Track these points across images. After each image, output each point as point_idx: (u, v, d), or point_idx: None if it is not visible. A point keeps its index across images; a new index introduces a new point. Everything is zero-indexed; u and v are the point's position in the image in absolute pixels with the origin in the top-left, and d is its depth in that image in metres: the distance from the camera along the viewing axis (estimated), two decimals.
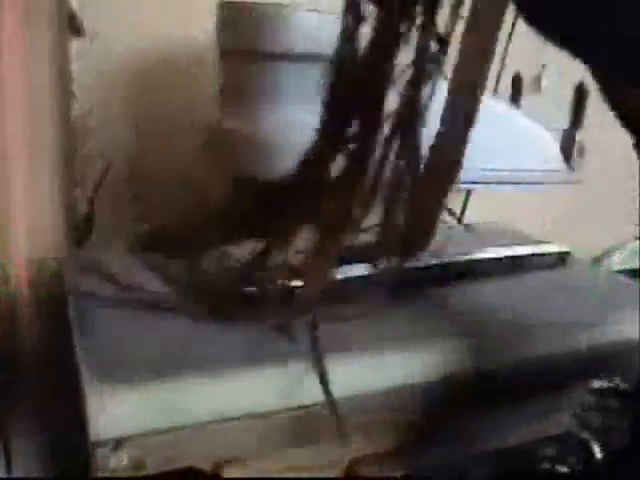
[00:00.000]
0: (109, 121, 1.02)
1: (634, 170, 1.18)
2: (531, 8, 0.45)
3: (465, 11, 0.63)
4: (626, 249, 1.57)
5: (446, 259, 0.75)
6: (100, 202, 1.00)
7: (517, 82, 1.22)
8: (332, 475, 0.68)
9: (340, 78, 0.68)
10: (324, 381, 0.62)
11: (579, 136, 1.15)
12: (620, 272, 1.38)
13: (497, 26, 0.65)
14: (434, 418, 0.71)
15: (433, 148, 0.68)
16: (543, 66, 1.41)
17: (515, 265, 0.89)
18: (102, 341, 0.63)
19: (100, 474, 0.55)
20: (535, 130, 1.07)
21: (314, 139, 0.71)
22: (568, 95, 1.17)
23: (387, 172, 0.69)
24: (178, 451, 0.58)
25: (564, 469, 0.85)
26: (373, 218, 0.71)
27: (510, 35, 1.00)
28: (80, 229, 0.94)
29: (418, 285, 0.77)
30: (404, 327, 0.71)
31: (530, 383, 0.74)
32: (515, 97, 1.21)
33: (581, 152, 1.13)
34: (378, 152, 0.68)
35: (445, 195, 0.69)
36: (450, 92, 0.68)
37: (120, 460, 0.55)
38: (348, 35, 0.66)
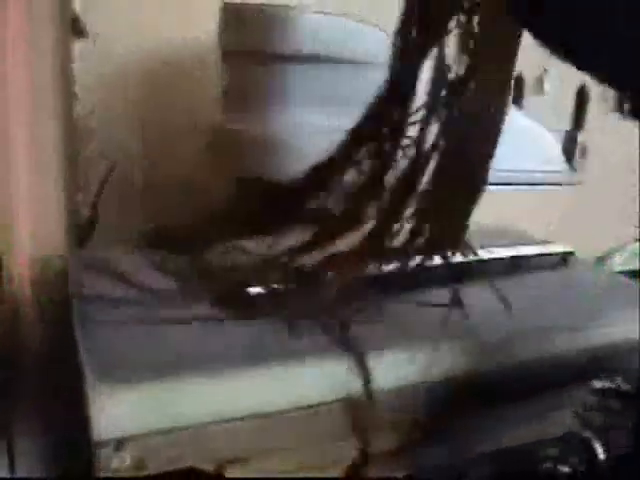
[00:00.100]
0: (111, 122, 1.02)
1: (635, 172, 1.18)
2: (536, 25, 0.47)
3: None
4: (627, 250, 1.57)
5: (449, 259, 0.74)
6: (103, 202, 1.00)
7: (519, 83, 1.22)
8: (333, 475, 0.68)
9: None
10: (367, 381, 0.63)
11: (581, 138, 1.15)
12: (621, 273, 1.38)
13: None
14: (435, 418, 0.71)
15: (464, 150, 0.68)
16: (545, 69, 1.42)
17: (518, 265, 0.89)
18: (105, 341, 0.63)
19: (102, 474, 0.55)
20: (537, 131, 1.07)
21: (346, 140, 0.72)
22: (570, 97, 1.18)
23: (420, 173, 0.70)
24: (179, 451, 0.58)
25: (566, 469, 0.85)
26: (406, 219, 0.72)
27: None
28: (83, 229, 0.94)
29: (421, 285, 0.78)
30: (404, 327, 0.71)
31: (532, 383, 0.74)
32: (517, 98, 1.21)
33: (583, 153, 1.13)
34: (412, 154, 0.69)
35: (477, 196, 0.69)
36: (477, 97, 0.68)
37: (123, 460, 0.55)
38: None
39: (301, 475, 0.66)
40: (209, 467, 0.61)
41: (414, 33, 0.68)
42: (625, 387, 1.10)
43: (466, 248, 0.71)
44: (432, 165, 0.70)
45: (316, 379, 0.63)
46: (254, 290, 0.72)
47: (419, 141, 0.70)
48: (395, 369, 0.66)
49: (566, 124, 1.17)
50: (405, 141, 0.71)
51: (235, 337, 0.67)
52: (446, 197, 0.71)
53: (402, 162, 0.72)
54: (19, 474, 0.65)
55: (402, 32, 0.68)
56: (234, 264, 0.79)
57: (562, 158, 1.10)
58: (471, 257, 0.71)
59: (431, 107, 0.68)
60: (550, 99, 1.40)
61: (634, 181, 1.38)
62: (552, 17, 0.46)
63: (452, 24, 0.65)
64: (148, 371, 0.58)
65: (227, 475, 0.62)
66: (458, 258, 0.73)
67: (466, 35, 0.65)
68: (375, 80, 0.87)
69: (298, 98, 0.88)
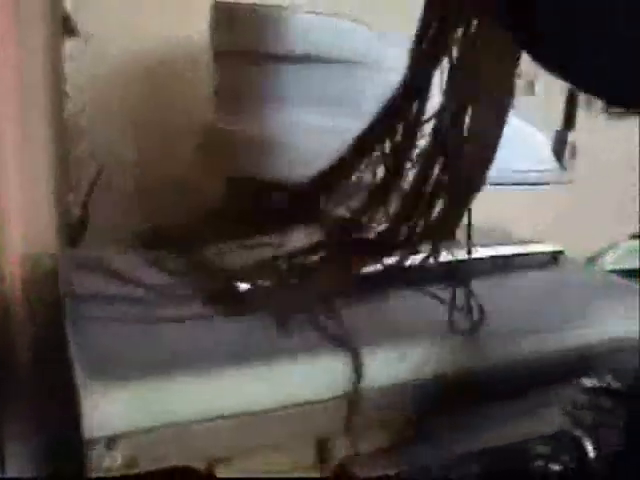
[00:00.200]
0: (102, 121, 1.02)
1: (626, 172, 1.18)
2: (535, 49, 0.49)
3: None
4: (619, 249, 1.57)
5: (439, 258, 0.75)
6: (94, 202, 1.00)
7: None
8: (323, 473, 0.68)
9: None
10: (358, 379, 0.63)
11: (571, 137, 1.16)
12: (613, 272, 1.38)
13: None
14: (425, 417, 0.71)
15: (465, 148, 0.69)
16: (536, 70, 1.42)
17: (508, 264, 0.90)
18: (96, 340, 0.63)
19: (94, 473, 0.55)
20: (528, 131, 1.08)
21: (354, 142, 0.73)
22: (560, 97, 1.18)
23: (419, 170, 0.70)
24: (170, 449, 0.58)
25: (557, 467, 0.86)
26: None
27: None
28: (75, 228, 0.94)
29: (413, 283, 0.78)
30: (394, 325, 0.71)
31: (520, 381, 0.74)
32: None
33: (573, 153, 1.14)
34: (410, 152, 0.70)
35: (472, 198, 0.70)
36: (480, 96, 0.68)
37: (114, 459, 0.55)
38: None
39: (293, 474, 0.67)
40: (200, 465, 0.61)
41: (428, 42, 0.69)
42: (615, 385, 1.11)
43: (458, 248, 0.71)
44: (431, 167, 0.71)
45: (306, 377, 0.64)
46: (244, 286, 0.72)
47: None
48: (385, 367, 0.66)
49: (556, 124, 1.17)
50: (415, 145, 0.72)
51: (226, 335, 0.67)
52: (442, 199, 0.71)
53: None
54: (10, 474, 0.64)
55: (418, 39, 0.69)
56: (227, 262, 0.79)
57: (552, 158, 1.10)
58: (462, 256, 0.71)
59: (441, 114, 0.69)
60: (541, 99, 1.41)
61: (624, 180, 1.39)
62: (551, 42, 0.48)
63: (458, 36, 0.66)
64: (139, 370, 0.58)
65: (218, 474, 0.62)
66: (450, 257, 0.73)
67: (469, 49, 0.66)
68: (366, 79, 0.87)
69: (290, 98, 0.88)
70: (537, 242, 0.97)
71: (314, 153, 0.86)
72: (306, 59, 0.85)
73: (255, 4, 0.90)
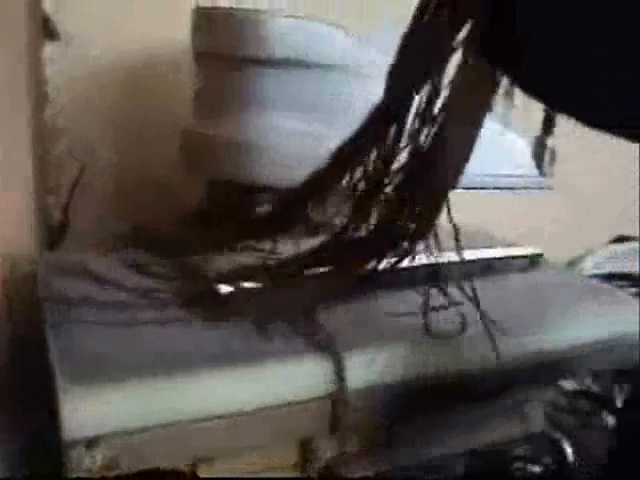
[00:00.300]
0: (82, 123, 1.02)
1: (607, 177, 1.19)
2: (524, 80, 0.54)
3: None
4: (598, 255, 1.59)
5: (417, 261, 0.75)
6: (74, 205, 0.99)
7: None
8: (308, 474, 0.68)
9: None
10: (340, 381, 0.64)
11: (550, 143, 1.17)
12: (593, 276, 1.39)
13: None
14: (406, 419, 0.72)
15: (438, 150, 0.69)
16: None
17: (486, 267, 0.90)
18: (75, 341, 0.63)
19: (74, 474, 0.54)
20: (507, 136, 1.09)
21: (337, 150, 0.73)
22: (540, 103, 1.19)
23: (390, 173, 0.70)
24: (152, 450, 0.58)
25: (536, 469, 0.86)
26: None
27: None
28: (54, 231, 0.94)
29: (391, 286, 0.78)
30: (375, 328, 0.72)
31: (500, 383, 0.75)
32: None
33: (552, 158, 1.15)
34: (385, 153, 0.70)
35: (445, 196, 0.70)
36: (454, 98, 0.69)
37: (94, 460, 0.55)
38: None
39: (277, 475, 0.67)
40: (182, 466, 0.61)
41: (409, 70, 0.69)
42: (595, 388, 1.12)
43: (433, 250, 0.71)
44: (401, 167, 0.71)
45: (290, 379, 0.64)
46: (225, 289, 0.73)
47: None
48: (366, 369, 0.67)
49: (536, 129, 1.18)
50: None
51: (207, 337, 0.67)
52: (416, 200, 0.71)
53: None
54: None
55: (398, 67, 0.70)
56: (208, 265, 0.79)
57: (532, 163, 1.11)
58: (439, 259, 0.71)
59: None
60: (520, 103, 1.42)
61: (604, 186, 1.41)
62: (533, 69, 0.50)
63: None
64: (119, 371, 0.58)
65: (200, 474, 0.62)
66: (427, 260, 0.73)
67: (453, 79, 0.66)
68: (345, 84, 0.87)
69: (269, 101, 0.88)
70: (516, 245, 0.98)
71: (292, 157, 0.86)
72: (285, 63, 0.85)
73: (233, 8, 0.90)
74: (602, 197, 1.47)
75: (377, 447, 0.71)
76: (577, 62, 0.48)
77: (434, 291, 0.71)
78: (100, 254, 0.85)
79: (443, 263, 0.73)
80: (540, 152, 1.13)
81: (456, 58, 0.64)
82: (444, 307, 0.70)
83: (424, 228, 0.71)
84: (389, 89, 0.69)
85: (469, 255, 0.89)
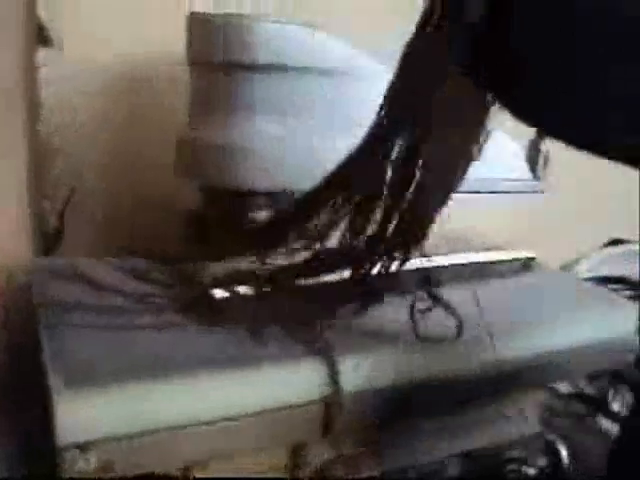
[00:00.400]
0: (77, 133, 1.01)
1: (600, 180, 1.20)
2: (514, 106, 0.54)
3: None
4: (592, 258, 1.59)
5: (411, 265, 0.75)
6: (69, 214, 0.99)
7: None
8: (302, 477, 0.68)
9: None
10: (336, 384, 0.64)
11: (544, 146, 1.17)
12: (588, 280, 1.40)
13: None
14: (399, 422, 0.72)
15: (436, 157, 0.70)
16: None
17: (479, 271, 0.91)
18: (70, 346, 0.63)
19: (69, 476, 0.55)
20: (500, 139, 1.09)
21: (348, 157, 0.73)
22: None
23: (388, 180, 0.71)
24: (147, 455, 0.58)
25: (531, 471, 0.87)
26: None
27: None
28: (50, 239, 0.94)
29: (385, 291, 0.78)
30: (368, 332, 0.72)
31: (495, 386, 0.75)
32: None
33: (546, 162, 1.15)
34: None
35: (444, 202, 0.71)
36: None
37: (88, 463, 0.55)
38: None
39: (269, 477, 0.67)
40: (176, 471, 0.61)
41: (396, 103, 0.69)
42: (589, 391, 1.12)
43: (425, 254, 0.72)
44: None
45: (284, 382, 0.64)
46: (221, 294, 0.73)
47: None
48: (361, 373, 0.67)
49: (530, 133, 1.18)
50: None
51: (201, 342, 0.67)
52: (411, 206, 0.72)
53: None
54: None
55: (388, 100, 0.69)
56: (204, 271, 0.80)
57: (526, 166, 1.11)
58: (432, 263, 0.72)
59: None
60: None
61: (598, 189, 1.41)
62: (522, 94, 0.51)
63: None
64: (113, 376, 0.58)
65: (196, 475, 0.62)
66: (421, 264, 0.73)
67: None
68: (332, 88, 0.88)
69: (255, 106, 0.88)
70: (509, 249, 0.98)
71: (277, 162, 0.87)
72: (274, 69, 0.85)
73: (219, 13, 0.90)
74: (596, 200, 1.47)
75: (370, 450, 0.71)
76: (576, 87, 0.48)
77: (426, 296, 0.72)
78: (96, 260, 0.85)
79: (437, 267, 0.74)
80: (534, 155, 1.13)
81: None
82: (429, 309, 0.71)
83: (418, 238, 0.71)
84: (388, 106, 0.69)
85: (463, 259, 0.90)
